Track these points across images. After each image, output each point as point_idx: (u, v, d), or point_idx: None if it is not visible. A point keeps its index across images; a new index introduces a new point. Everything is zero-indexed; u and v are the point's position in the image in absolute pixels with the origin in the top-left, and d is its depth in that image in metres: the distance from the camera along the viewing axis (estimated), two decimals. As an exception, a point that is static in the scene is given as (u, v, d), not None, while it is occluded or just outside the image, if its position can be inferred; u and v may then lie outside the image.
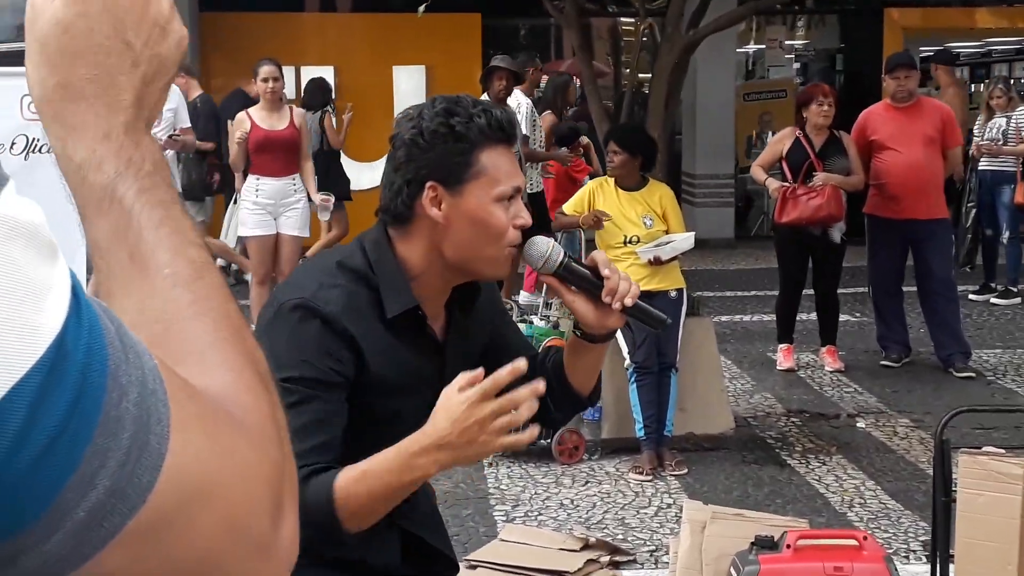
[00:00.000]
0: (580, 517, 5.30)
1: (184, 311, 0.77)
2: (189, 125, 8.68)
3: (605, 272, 2.21)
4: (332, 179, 10.01)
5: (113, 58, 0.82)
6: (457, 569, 2.52)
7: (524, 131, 9.03)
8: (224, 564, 0.72)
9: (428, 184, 2.19)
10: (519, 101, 9.43)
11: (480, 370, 2.04)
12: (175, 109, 7.85)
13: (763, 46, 16.70)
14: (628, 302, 2.21)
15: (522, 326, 5.98)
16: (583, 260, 2.31)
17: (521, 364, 2.02)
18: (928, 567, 4.39)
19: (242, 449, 0.73)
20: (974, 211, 10.73)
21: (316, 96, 10.10)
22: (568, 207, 6.32)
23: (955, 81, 7.82)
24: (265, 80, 8.12)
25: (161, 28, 0.83)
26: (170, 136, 8.18)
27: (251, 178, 8.24)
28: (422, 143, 2.20)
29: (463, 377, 2.03)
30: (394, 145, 2.26)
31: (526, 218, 2.25)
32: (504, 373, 2.00)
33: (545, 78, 10.69)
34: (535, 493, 5.64)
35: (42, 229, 0.64)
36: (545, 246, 2.26)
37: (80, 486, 0.62)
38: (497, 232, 2.23)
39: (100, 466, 0.63)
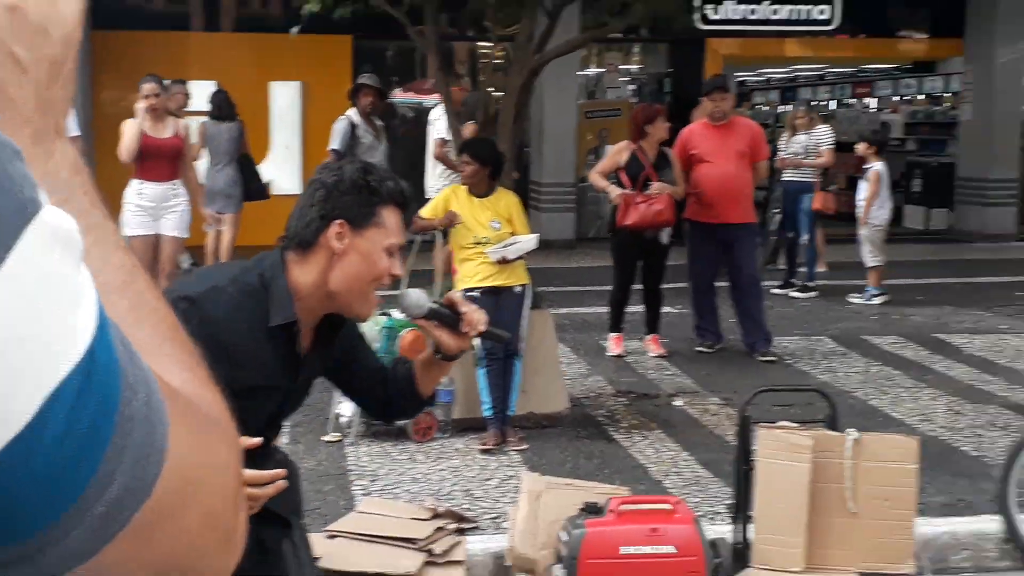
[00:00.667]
0: (431, 490, 5.26)
1: (124, 317, 0.71)
2: (79, 134, 8.40)
3: (463, 309, 2.50)
4: (253, 181, 9.91)
5: (1, 73, 0.75)
6: (289, 527, 2.61)
7: (445, 136, 8.98)
8: (201, 553, 0.69)
9: (339, 221, 2.38)
10: (440, 116, 9.44)
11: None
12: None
13: (603, 70, 16.88)
14: (481, 328, 2.51)
15: (382, 318, 5.92)
16: (441, 301, 2.60)
17: (281, 484, 2.28)
18: (731, 527, 4.48)
19: (216, 443, 0.71)
20: (778, 216, 11.00)
21: (225, 108, 9.89)
22: (425, 211, 6.28)
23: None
24: (147, 96, 7.95)
25: (44, 31, 0.75)
26: None
27: (134, 182, 8.06)
28: (343, 188, 2.41)
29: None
30: (314, 187, 2.45)
31: (398, 270, 2.49)
32: (267, 477, 2.24)
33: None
34: (391, 469, 5.57)
35: (76, 235, 0.62)
36: (416, 297, 2.55)
37: (101, 483, 0.60)
38: (378, 272, 2.42)
39: (117, 464, 0.60)
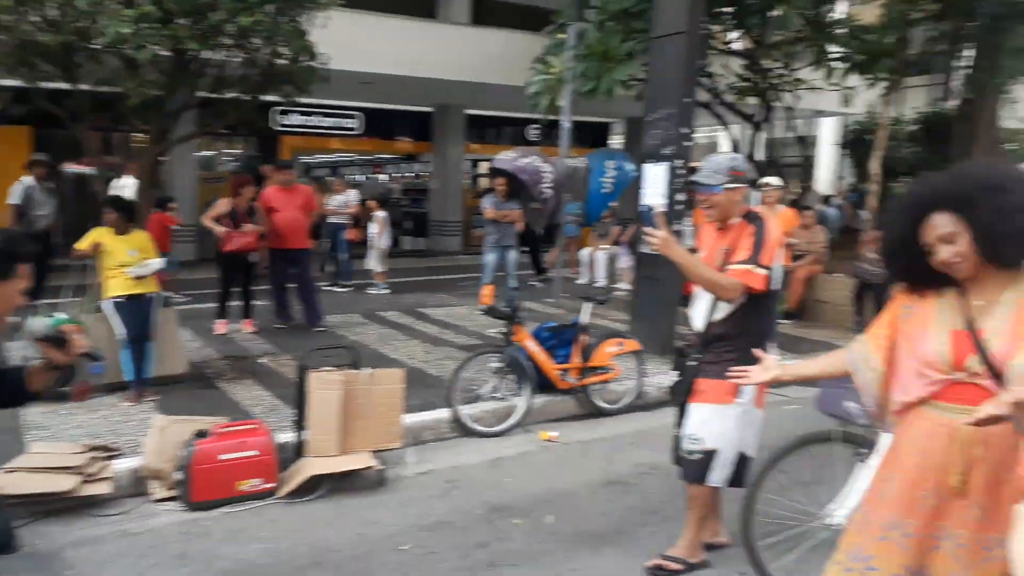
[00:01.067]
0: (90, 433, 4.60)
1: None
2: None
3: (72, 336, 2.23)
4: None
5: None
6: None
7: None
8: None
9: None
10: (129, 183, 8.38)
11: None
12: None
13: (214, 152, 15.66)
14: (81, 351, 2.24)
15: (51, 319, 5.06)
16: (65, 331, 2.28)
17: None
18: (294, 434, 4.35)
19: None
20: (326, 243, 10.82)
21: None
22: (79, 244, 5.47)
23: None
24: None
25: None
26: None
27: None
28: None
29: None
30: None
31: (23, 301, 2.21)
32: None
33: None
34: (58, 421, 4.81)
35: None
36: (35, 326, 2.26)
37: None
38: (14, 304, 2.19)
39: None
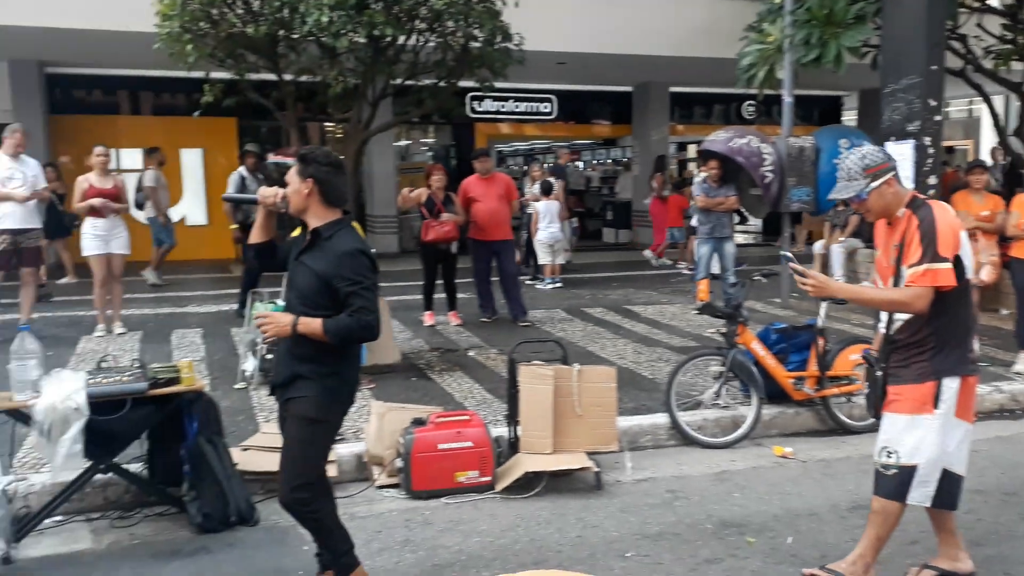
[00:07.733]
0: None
1: None
2: (46, 185, 7.25)
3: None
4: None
5: None
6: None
7: None
8: None
9: None
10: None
11: None
12: (36, 175, 6.79)
13: (410, 141, 15.96)
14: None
15: (271, 307, 5.33)
16: None
17: None
18: (507, 428, 4.30)
19: None
20: (526, 235, 10.64)
21: None
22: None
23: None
24: (98, 156, 7.17)
25: None
26: (34, 191, 6.76)
27: (88, 220, 7.14)
28: None
29: None
30: None
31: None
32: None
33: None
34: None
35: None
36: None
37: None
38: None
39: None
